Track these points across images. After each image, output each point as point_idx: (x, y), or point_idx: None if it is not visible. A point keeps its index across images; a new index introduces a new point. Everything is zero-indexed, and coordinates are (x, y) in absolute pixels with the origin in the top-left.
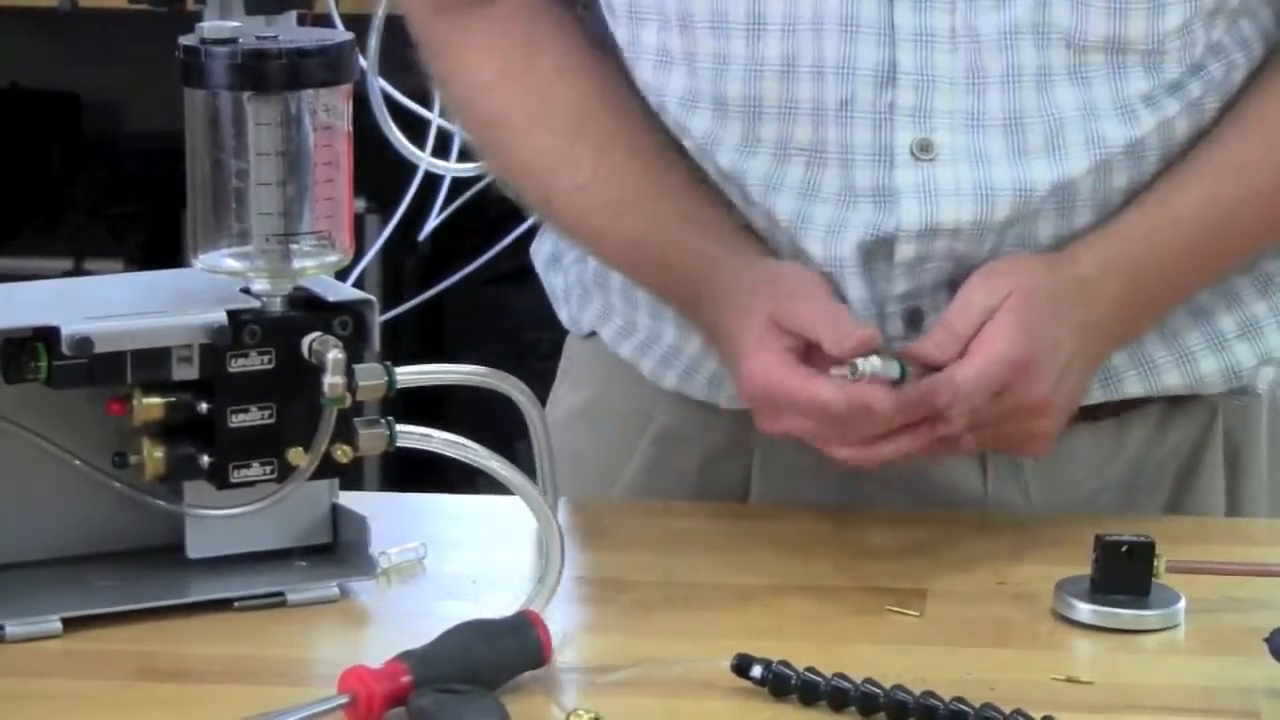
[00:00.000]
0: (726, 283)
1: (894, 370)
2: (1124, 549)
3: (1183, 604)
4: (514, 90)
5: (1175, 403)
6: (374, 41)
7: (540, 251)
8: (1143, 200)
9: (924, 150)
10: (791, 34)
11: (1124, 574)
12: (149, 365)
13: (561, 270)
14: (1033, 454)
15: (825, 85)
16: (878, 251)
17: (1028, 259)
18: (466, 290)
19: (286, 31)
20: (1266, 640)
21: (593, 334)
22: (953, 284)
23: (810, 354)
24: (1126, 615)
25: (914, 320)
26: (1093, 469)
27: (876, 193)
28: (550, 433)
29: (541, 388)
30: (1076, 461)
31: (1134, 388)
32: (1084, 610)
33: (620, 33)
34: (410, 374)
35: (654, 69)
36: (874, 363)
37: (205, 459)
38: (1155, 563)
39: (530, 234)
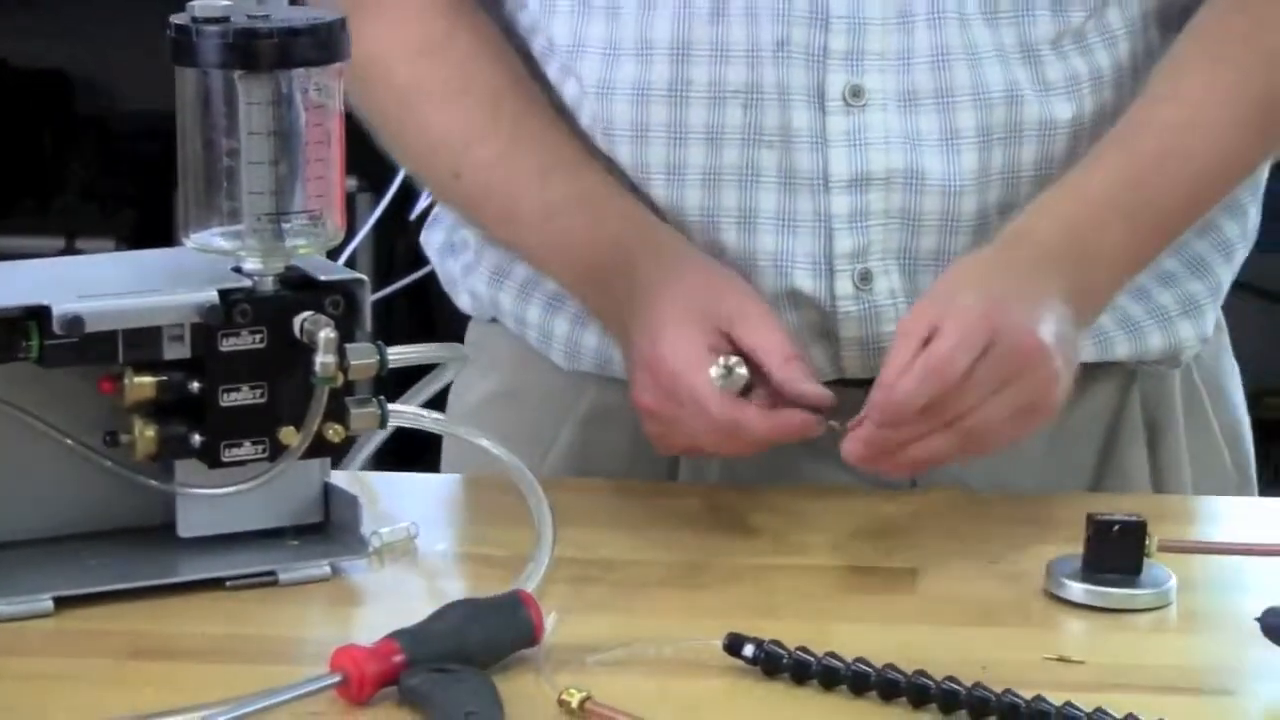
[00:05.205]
0: (666, 252)
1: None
2: (1115, 528)
3: (1174, 583)
4: (433, 63)
5: (1090, 370)
6: None
7: (433, 240)
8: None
9: (855, 96)
10: None
11: (1115, 553)
12: (140, 344)
13: (456, 256)
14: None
15: (760, 27)
16: (820, 203)
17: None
18: None
19: (278, 10)
20: (1258, 620)
21: (494, 320)
22: (903, 250)
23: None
24: (1118, 594)
25: (865, 280)
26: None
27: (812, 139)
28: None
29: None
30: None
31: (1087, 354)
32: (1075, 589)
33: None
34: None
35: (569, 19)
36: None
37: (197, 438)
38: (1147, 542)
39: None
